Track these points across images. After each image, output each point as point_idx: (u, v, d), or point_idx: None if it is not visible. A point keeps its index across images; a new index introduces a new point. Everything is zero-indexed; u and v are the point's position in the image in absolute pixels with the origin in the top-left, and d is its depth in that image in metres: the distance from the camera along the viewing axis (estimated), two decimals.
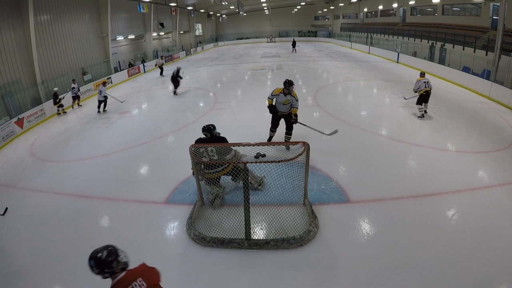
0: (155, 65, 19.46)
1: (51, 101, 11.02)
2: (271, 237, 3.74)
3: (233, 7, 32.56)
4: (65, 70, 13.91)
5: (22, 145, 8.20)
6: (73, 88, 11.45)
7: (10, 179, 6.13)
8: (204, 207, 4.44)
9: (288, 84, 5.75)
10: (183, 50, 28.77)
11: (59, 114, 11.04)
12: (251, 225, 3.71)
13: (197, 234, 3.84)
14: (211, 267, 3.47)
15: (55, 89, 10.98)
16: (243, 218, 3.66)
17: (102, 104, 10.55)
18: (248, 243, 3.68)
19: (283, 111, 6.03)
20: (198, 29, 36.76)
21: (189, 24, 32.71)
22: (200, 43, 35.34)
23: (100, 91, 10.39)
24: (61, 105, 10.96)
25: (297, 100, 5.84)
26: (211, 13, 38.61)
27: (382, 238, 3.78)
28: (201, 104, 10.70)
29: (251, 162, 3.80)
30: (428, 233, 3.81)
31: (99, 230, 4.28)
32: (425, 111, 7.95)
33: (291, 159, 3.68)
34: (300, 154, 3.80)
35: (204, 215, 4.26)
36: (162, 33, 26.53)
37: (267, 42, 38.73)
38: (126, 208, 4.70)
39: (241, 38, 41.67)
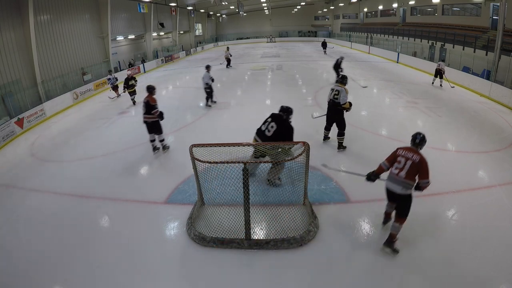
0: (225, 58, 18.49)
1: (51, 101, 11.03)
2: (271, 237, 3.74)
3: (233, 7, 32.56)
4: (65, 70, 13.90)
5: (22, 145, 8.20)
6: (109, 79, 12.18)
7: (10, 179, 6.12)
8: (204, 207, 4.44)
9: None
10: (183, 50, 28.76)
11: (112, 97, 12.10)
12: (251, 225, 3.71)
13: (197, 234, 3.84)
14: (211, 267, 3.47)
15: (129, 72, 10.83)
16: (243, 218, 3.66)
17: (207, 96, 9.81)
18: (248, 243, 3.68)
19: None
20: (198, 29, 36.75)
21: (189, 24, 32.70)
22: (200, 43, 35.34)
23: (203, 77, 9.44)
24: (134, 92, 11.10)
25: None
26: (211, 13, 38.61)
27: (382, 238, 3.77)
28: (201, 104, 10.68)
29: (251, 162, 3.80)
30: (428, 233, 3.81)
31: (99, 230, 4.28)
32: (433, 82, 11.80)
33: (291, 159, 3.68)
34: (300, 154, 3.81)
35: (204, 215, 4.26)
36: (162, 33, 26.53)
37: (267, 42, 38.71)
38: (126, 208, 4.70)
39: (241, 38, 41.66)
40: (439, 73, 11.40)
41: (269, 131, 4.68)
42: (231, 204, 3.99)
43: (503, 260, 3.35)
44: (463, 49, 14.28)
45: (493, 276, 3.16)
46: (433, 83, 11.82)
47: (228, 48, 19.86)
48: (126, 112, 10.32)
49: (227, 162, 3.61)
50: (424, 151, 3.44)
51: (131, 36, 21.50)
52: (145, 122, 6.27)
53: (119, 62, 19.94)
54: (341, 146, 6.22)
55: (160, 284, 3.31)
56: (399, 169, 3.38)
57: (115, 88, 12.42)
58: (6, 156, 7.55)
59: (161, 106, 10.66)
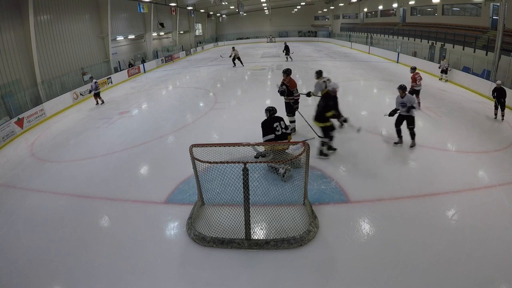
0: (229, 56, 18.65)
1: (51, 101, 11.03)
2: (271, 237, 3.74)
3: (233, 7, 32.55)
4: (65, 70, 13.91)
5: (22, 145, 8.20)
6: (92, 85, 11.44)
7: (10, 179, 6.13)
8: (204, 207, 4.44)
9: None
10: (183, 50, 28.76)
11: None
12: (251, 225, 3.71)
13: (197, 234, 3.84)
14: (211, 267, 3.47)
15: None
16: (243, 218, 3.66)
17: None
18: (248, 243, 3.68)
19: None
20: (198, 29, 36.74)
21: (189, 24, 32.70)
22: (200, 43, 35.32)
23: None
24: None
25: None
26: (211, 13, 38.60)
27: (382, 238, 3.78)
28: (201, 104, 10.70)
29: (251, 162, 3.80)
30: (428, 233, 3.81)
31: (99, 230, 4.27)
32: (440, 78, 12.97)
33: (291, 159, 3.68)
34: (300, 154, 3.81)
35: (204, 215, 4.25)
36: (162, 33, 26.53)
37: (267, 42, 38.69)
38: (126, 208, 4.70)
39: (241, 38, 41.63)
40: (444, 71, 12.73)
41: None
42: (231, 204, 4.00)
43: (503, 260, 3.34)
44: (463, 49, 14.26)
45: (493, 276, 3.16)
46: (440, 78, 12.98)
47: (233, 48, 19.13)
48: (126, 112, 10.32)
49: (227, 162, 3.62)
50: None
51: (131, 36, 21.50)
52: None
53: (119, 62, 19.93)
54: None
55: (160, 284, 3.31)
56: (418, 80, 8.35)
57: (96, 95, 11.65)
58: (6, 156, 7.55)
59: (161, 106, 10.82)
